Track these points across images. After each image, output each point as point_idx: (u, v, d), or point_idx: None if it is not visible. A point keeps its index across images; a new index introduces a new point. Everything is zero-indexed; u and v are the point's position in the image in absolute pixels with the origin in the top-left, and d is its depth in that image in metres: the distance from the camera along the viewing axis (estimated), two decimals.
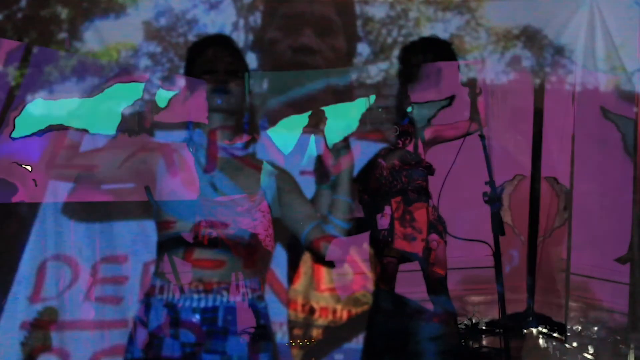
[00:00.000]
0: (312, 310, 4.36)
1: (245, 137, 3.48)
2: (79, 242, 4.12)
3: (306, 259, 4.20)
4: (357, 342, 4.34)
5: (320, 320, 4.36)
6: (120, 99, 3.54)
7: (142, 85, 3.66)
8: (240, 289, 3.37)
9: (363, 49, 4.36)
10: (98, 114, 3.54)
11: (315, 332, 4.31)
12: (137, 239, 4.08)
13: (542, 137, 5.04)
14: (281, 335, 4.11)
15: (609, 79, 4.47)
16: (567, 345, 4.57)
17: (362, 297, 4.47)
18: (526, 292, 5.14)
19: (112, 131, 3.54)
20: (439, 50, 4.51)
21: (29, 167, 3.75)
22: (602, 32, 4.49)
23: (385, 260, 4.57)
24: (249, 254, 3.39)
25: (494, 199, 4.52)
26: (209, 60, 3.45)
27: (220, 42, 3.59)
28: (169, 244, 3.39)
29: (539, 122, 5.05)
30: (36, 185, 3.81)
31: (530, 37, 4.53)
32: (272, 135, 3.86)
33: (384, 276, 4.57)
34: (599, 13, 4.51)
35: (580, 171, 4.66)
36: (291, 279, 4.18)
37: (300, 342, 4.30)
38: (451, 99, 4.62)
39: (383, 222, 4.56)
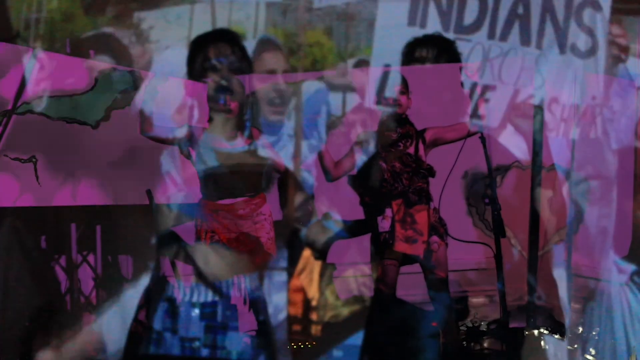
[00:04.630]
0: (311, 307, 4.35)
1: (247, 134, 3.49)
2: (82, 242, 4.15)
3: (306, 255, 4.19)
4: (357, 339, 4.32)
5: (320, 317, 4.35)
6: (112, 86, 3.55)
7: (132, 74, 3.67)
8: (240, 286, 3.39)
9: None
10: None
11: (315, 329, 4.30)
12: (137, 237, 4.09)
13: (543, 133, 5.02)
14: (280, 331, 4.09)
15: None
16: (568, 347, 4.56)
17: (362, 297, 4.46)
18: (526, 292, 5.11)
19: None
20: (442, 47, 4.50)
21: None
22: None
23: (386, 263, 4.57)
24: (249, 256, 3.41)
25: (494, 201, 4.53)
26: (211, 56, 3.47)
27: (223, 38, 3.60)
28: (169, 243, 3.41)
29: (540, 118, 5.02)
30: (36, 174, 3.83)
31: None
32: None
33: (385, 278, 4.56)
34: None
35: (580, 168, 4.64)
36: (291, 274, 4.17)
37: (299, 339, 4.29)
38: None
39: (384, 224, 4.56)
